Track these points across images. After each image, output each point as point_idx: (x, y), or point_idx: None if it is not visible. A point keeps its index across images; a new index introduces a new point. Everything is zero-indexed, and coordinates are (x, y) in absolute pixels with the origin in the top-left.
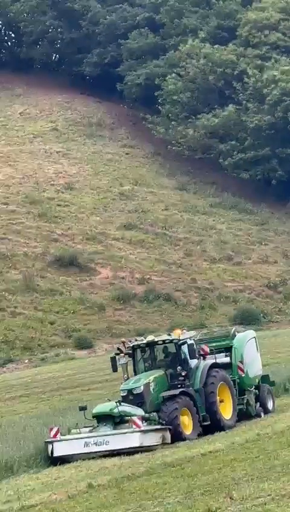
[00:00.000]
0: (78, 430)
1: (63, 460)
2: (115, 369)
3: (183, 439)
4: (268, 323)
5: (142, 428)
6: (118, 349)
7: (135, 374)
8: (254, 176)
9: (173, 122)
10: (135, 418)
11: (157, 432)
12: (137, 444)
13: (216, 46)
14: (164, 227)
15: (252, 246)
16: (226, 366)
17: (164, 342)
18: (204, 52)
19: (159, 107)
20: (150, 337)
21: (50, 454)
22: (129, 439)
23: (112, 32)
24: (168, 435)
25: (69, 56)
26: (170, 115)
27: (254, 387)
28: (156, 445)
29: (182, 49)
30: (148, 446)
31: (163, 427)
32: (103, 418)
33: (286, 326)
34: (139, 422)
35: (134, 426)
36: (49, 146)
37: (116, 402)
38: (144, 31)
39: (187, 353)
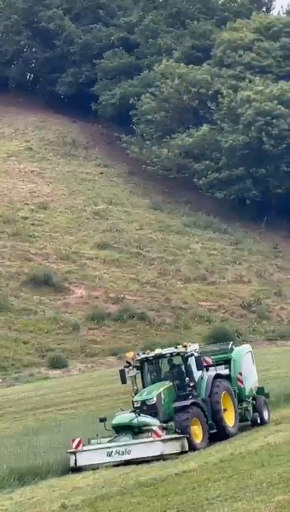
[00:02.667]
0: (98, 440)
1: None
2: (124, 381)
3: (195, 449)
4: (242, 342)
5: (163, 438)
6: (127, 362)
7: (143, 386)
8: (228, 195)
9: (147, 142)
10: (155, 428)
11: (176, 440)
12: (158, 453)
13: (191, 66)
14: (138, 247)
15: (226, 266)
16: (226, 378)
17: (171, 354)
18: (179, 72)
19: (134, 126)
20: (158, 350)
21: (74, 465)
22: (151, 448)
23: (86, 52)
24: (186, 443)
25: (43, 76)
26: (144, 134)
27: (251, 398)
28: (176, 453)
29: (156, 69)
30: (168, 454)
31: (181, 435)
32: (122, 429)
33: (260, 346)
34: (159, 431)
35: (154, 435)
36: (24, 165)
37: (135, 413)
38: (119, 50)
39: (194, 365)
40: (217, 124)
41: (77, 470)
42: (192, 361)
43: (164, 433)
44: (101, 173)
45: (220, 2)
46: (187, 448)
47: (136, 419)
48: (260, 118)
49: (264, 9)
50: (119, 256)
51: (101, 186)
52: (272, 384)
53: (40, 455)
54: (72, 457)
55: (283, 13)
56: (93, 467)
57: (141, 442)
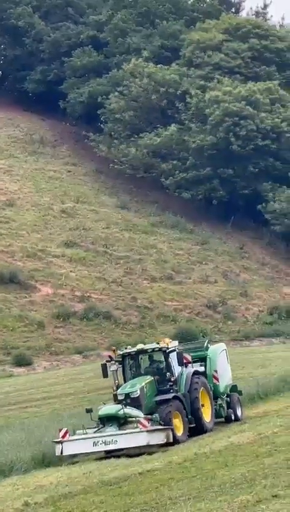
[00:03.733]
0: (84, 431)
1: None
2: (105, 376)
3: (177, 441)
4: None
5: (149, 428)
6: (109, 356)
7: (125, 380)
8: (196, 195)
9: (115, 141)
10: (141, 419)
11: (161, 431)
12: (144, 443)
13: (159, 65)
14: (105, 246)
15: (192, 266)
16: (202, 376)
17: (153, 350)
18: (147, 71)
19: (102, 125)
20: (140, 346)
21: (60, 454)
22: (137, 438)
23: (55, 50)
24: (170, 435)
25: (12, 73)
26: (112, 133)
27: (225, 395)
28: (161, 444)
29: (125, 68)
30: (154, 445)
31: (167, 427)
32: (108, 419)
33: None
34: (145, 422)
35: (140, 426)
36: None
37: (121, 405)
38: (88, 49)
39: (175, 361)
40: (185, 124)
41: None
42: (173, 357)
43: (150, 424)
44: (69, 171)
45: (189, 2)
46: (171, 440)
47: (122, 410)
48: (227, 118)
49: (233, 10)
50: (86, 254)
51: (69, 184)
52: (237, 384)
53: (3, 453)
54: (59, 447)
55: (252, 14)
56: (74, 461)
57: (128, 433)
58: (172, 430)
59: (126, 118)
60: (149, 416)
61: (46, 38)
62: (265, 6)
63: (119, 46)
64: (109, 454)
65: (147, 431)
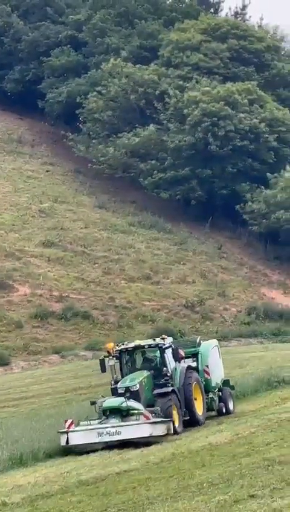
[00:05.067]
0: (88, 422)
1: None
2: (103, 370)
3: (176, 432)
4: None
5: (152, 420)
6: (107, 352)
7: (122, 375)
8: (174, 195)
9: (93, 141)
10: (144, 411)
11: (163, 423)
12: (147, 434)
13: (138, 65)
14: (83, 245)
15: (170, 266)
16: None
17: (150, 346)
18: (126, 71)
19: (80, 125)
20: (137, 342)
21: (65, 444)
22: (140, 429)
23: (34, 49)
24: (171, 426)
25: None
26: (91, 133)
27: (217, 389)
28: (163, 435)
29: (104, 68)
30: (156, 436)
31: (168, 419)
32: (111, 412)
33: None
34: (149, 414)
35: (143, 418)
36: None
37: (124, 397)
38: (66, 48)
39: (170, 356)
40: (164, 124)
41: (69, 450)
42: (169, 353)
43: (152, 416)
44: (47, 171)
45: (168, 2)
46: (172, 431)
47: (125, 403)
48: (206, 118)
49: (212, 10)
50: (64, 254)
51: (47, 184)
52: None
53: None
54: (64, 437)
55: (231, 15)
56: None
57: (131, 424)
58: (172, 422)
59: (105, 118)
60: (151, 409)
61: (25, 37)
62: (244, 7)
63: (98, 46)
64: (107, 445)
65: (150, 423)
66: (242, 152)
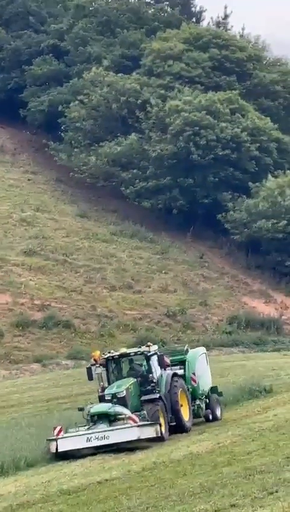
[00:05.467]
0: (76, 428)
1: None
2: (90, 378)
3: (162, 438)
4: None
5: (139, 423)
6: (94, 360)
7: (109, 383)
8: (155, 204)
9: (75, 150)
10: (132, 415)
11: (151, 426)
12: (135, 437)
13: (120, 74)
14: (65, 254)
15: (152, 275)
16: (181, 378)
17: (136, 353)
18: (108, 80)
19: (62, 134)
20: (123, 349)
21: (54, 451)
22: (128, 433)
23: (16, 58)
24: (159, 429)
25: None
26: (72, 142)
27: (204, 396)
28: (151, 437)
29: (85, 77)
30: (144, 439)
31: (155, 422)
32: (99, 417)
33: None
34: (136, 418)
35: (131, 422)
36: None
37: (112, 403)
38: (48, 57)
39: (156, 363)
40: (146, 133)
41: (59, 456)
42: (154, 360)
43: (140, 419)
44: (29, 180)
45: (150, 11)
46: (160, 434)
47: (113, 408)
48: (188, 128)
49: (194, 20)
50: (46, 263)
51: (29, 192)
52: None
53: None
54: (53, 444)
55: (213, 24)
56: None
57: (119, 428)
58: (160, 425)
59: (86, 127)
60: (138, 413)
61: (7, 46)
62: (226, 16)
63: (80, 55)
64: (98, 451)
65: (138, 426)
66: (224, 161)
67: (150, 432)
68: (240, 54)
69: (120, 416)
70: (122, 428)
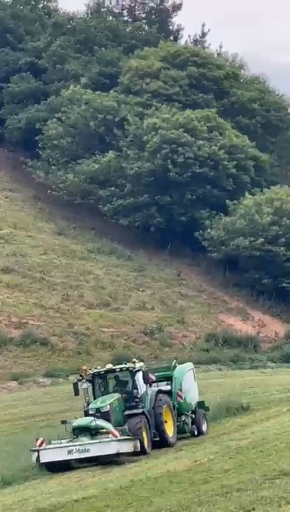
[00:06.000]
0: (59, 440)
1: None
2: (76, 393)
3: (144, 452)
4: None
5: (119, 438)
6: (80, 375)
7: (94, 398)
8: (133, 222)
9: (53, 167)
10: (112, 430)
11: (130, 441)
12: (114, 451)
13: (98, 92)
14: (42, 272)
15: (129, 292)
16: (167, 393)
17: (121, 369)
18: (85, 98)
19: (40, 151)
20: (109, 366)
21: (36, 462)
22: (108, 446)
23: None
24: (138, 444)
25: None
26: (50, 159)
27: (190, 411)
28: (130, 452)
29: (63, 95)
30: (123, 453)
31: (135, 437)
32: (81, 430)
33: None
34: (116, 432)
35: (111, 436)
36: None
37: (93, 417)
38: (26, 75)
39: (141, 379)
40: (123, 150)
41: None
42: (139, 376)
43: (120, 434)
44: (6, 197)
45: (128, 29)
46: (139, 449)
47: (94, 422)
48: (165, 145)
49: (172, 38)
50: (23, 280)
51: (6, 210)
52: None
53: None
54: (35, 455)
55: (191, 42)
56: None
57: (99, 442)
58: (140, 440)
59: (64, 144)
60: (120, 427)
61: None
62: (203, 34)
63: (58, 73)
64: (81, 463)
65: (118, 440)
66: (201, 179)
67: (129, 447)
68: (218, 72)
69: (102, 430)
70: (101, 442)
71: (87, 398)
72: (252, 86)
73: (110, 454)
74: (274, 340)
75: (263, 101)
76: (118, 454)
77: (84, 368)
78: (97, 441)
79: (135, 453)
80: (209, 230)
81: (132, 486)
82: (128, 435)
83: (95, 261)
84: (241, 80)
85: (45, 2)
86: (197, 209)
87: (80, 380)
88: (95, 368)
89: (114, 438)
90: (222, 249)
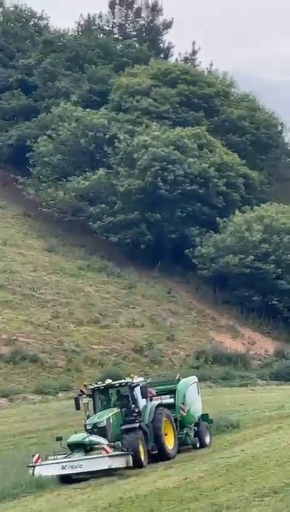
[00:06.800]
0: (55, 456)
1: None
2: (78, 408)
3: (141, 465)
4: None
5: (111, 454)
6: (81, 391)
7: (95, 412)
8: (123, 239)
9: (43, 184)
10: (104, 446)
11: (122, 456)
12: (106, 467)
13: (88, 109)
14: (32, 289)
15: (119, 309)
16: (171, 406)
17: (120, 385)
18: (76, 115)
19: (30, 168)
20: (108, 381)
21: (32, 475)
22: (100, 462)
23: None
24: (130, 460)
25: None
26: (40, 176)
27: (193, 424)
28: (122, 467)
29: (54, 112)
30: (116, 469)
31: (127, 452)
32: (76, 446)
33: None
34: (108, 448)
35: (103, 452)
36: None
37: (87, 433)
38: (17, 92)
39: (139, 394)
40: (114, 168)
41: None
42: (137, 391)
43: (112, 450)
44: None
45: (118, 47)
46: (131, 464)
47: (88, 438)
48: (156, 163)
49: (162, 55)
50: (13, 297)
51: None
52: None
53: None
54: (32, 470)
55: (181, 60)
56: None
57: (92, 458)
58: (132, 455)
59: (54, 162)
60: (113, 443)
61: None
62: (194, 52)
63: (48, 90)
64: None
65: (109, 456)
66: (191, 196)
67: (121, 462)
68: (208, 89)
69: (96, 446)
70: (94, 457)
71: (88, 413)
72: (242, 103)
73: (102, 470)
74: (264, 358)
75: (253, 118)
76: (116, 469)
77: (85, 383)
78: (89, 457)
79: (128, 468)
80: (199, 247)
81: (121, 504)
82: (122, 450)
83: (85, 278)
84: (232, 98)
85: (36, 20)
86: (187, 226)
87: (80, 395)
88: (96, 383)
89: (106, 454)
90: (212, 267)
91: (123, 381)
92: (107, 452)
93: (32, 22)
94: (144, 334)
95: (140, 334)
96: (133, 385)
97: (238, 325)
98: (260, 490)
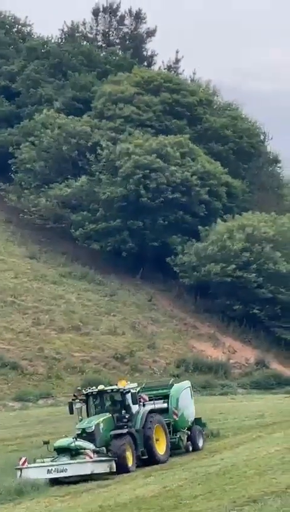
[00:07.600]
0: (42, 460)
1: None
2: (71, 412)
3: (127, 471)
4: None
5: (94, 459)
6: (74, 395)
7: (88, 416)
8: (105, 247)
9: (25, 191)
10: (88, 451)
11: (105, 462)
12: (89, 472)
13: (71, 116)
14: (13, 296)
15: (100, 317)
16: (164, 411)
17: (112, 390)
18: (59, 122)
19: (12, 175)
20: (101, 386)
21: (19, 478)
22: (83, 467)
23: None
24: (113, 465)
25: None
26: (22, 183)
27: (186, 428)
28: (105, 472)
29: (37, 119)
30: (98, 474)
31: (110, 458)
32: (62, 451)
33: None
34: (91, 454)
35: (87, 457)
36: None
37: (73, 438)
38: (0, 98)
39: (131, 400)
40: (96, 175)
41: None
42: (129, 397)
43: (95, 456)
44: None
45: (102, 54)
46: (115, 470)
47: (73, 443)
48: (138, 171)
49: (145, 63)
50: None
51: None
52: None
53: None
54: (18, 473)
55: (164, 68)
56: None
57: (75, 462)
58: (116, 461)
59: (37, 168)
60: (97, 448)
61: None
62: (177, 60)
63: (31, 97)
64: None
65: (92, 461)
66: (173, 204)
67: (103, 468)
68: (191, 98)
69: (82, 451)
70: (77, 462)
71: (80, 417)
72: (225, 112)
73: (85, 474)
74: (245, 366)
75: (235, 127)
76: (92, 474)
77: (79, 388)
78: (73, 461)
79: (119, 472)
80: (181, 255)
81: None
82: (108, 455)
83: (66, 286)
84: (214, 107)
85: (19, 26)
86: (169, 234)
87: (74, 400)
88: (89, 389)
89: (89, 460)
90: (194, 275)
91: (115, 387)
92: (90, 457)
93: (15, 29)
94: (125, 341)
95: (121, 341)
96: (125, 391)
97: (219, 334)
98: (240, 499)
